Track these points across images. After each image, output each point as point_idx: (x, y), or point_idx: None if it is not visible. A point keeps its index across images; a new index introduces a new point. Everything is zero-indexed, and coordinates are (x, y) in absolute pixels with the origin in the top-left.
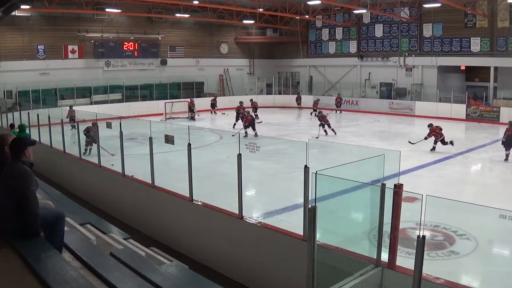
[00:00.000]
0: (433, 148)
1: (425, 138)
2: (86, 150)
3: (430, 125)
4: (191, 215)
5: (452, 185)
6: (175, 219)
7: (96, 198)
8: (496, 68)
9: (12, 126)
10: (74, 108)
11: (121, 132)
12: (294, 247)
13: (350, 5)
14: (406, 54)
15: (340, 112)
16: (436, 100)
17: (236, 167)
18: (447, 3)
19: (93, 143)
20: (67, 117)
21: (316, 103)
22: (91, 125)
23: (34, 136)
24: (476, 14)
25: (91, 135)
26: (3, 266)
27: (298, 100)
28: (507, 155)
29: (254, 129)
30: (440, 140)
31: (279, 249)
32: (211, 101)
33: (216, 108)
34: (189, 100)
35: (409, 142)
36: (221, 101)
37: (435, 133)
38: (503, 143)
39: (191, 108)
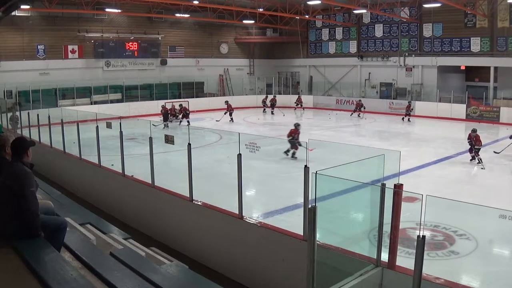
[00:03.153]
0: (474, 158)
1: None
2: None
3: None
4: (191, 215)
5: (452, 185)
6: (175, 219)
7: (96, 198)
8: (496, 68)
9: None
10: (73, 107)
11: (121, 132)
12: (294, 247)
13: (350, 5)
14: (406, 54)
15: (359, 115)
16: (436, 100)
17: (236, 167)
18: (447, 3)
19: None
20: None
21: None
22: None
23: (34, 136)
24: (476, 14)
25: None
26: (3, 266)
27: (299, 100)
28: None
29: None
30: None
31: (279, 249)
32: (271, 101)
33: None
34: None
35: (494, 152)
36: (221, 101)
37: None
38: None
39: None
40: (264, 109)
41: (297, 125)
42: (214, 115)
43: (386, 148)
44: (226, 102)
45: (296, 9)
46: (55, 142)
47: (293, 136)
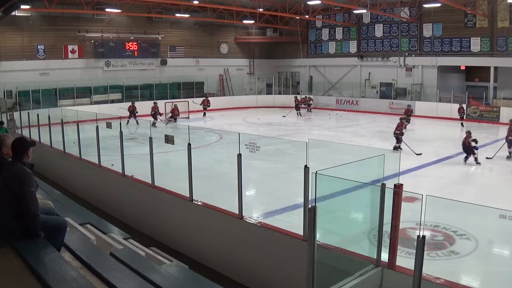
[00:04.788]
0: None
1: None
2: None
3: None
4: (191, 215)
5: (452, 185)
6: (175, 219)
7: (96, 198)
8: (496, 68)
9: (1, 123)
10: (73, 107)
11: (121, 132)
12: (294, 247)
13: (350, 5)
14: (406, 54)
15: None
16: (436, 100)
17: (236, 167)
18: (447, 3)
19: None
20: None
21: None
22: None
23: (34, 136)
24: (476, 14)
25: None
26: (3, 266)
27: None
28: (510, 153)
29: None
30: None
31: (279, 249)
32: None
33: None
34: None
35: (486, 158)
36: (221, 101)
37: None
38: (507, 139)
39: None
40: (309, 109)
41: (468, 133)
42: (214, 115)
43: (386, 148)
44: (205, 95)
45: (296, 9)
46: (55, 142)
47: (468, 142)
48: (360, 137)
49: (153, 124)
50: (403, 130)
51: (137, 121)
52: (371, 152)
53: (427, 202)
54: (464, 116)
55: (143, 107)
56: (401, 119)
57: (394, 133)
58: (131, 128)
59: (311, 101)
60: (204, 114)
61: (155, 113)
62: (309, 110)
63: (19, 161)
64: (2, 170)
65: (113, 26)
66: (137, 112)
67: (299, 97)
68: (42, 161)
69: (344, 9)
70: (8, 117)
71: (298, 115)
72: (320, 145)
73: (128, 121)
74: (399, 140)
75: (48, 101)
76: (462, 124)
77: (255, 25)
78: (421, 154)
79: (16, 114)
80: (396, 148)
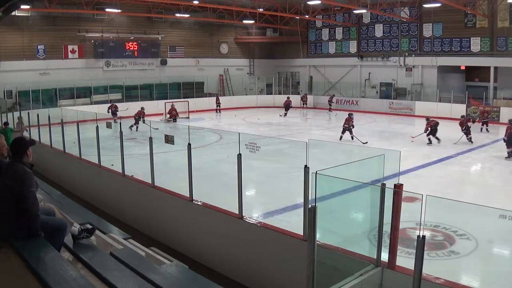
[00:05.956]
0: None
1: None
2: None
3: (427, 119)
4: (191, 215)
5: (452, 185)
6: (175, 219)
7: (96, 198)
8: (496, 68)
9: (6, 124)
10: (73, 107)
11: (121, 132)
12: (294, 247)
13: (350, 5)
14: (406, 54)
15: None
16: (436, 100)
17: (236, 167)
18: (447, 3)
19: None
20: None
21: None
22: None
23: (34, 136)
24: (476, 14)
25: None
26: (3, 266)
27: (305, 99)
28: (508, 153)
29: None
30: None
31: (279, 249)
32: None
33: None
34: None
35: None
36: (221, 101)
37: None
38: (505, 141)
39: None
40: (330, 109)
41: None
42: (225, 114)
43: (386, 148)
44: (217, 95)
45: (296, 9)
46: (55, 142)
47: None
48: (360, 137)
49: (130, 127)
50: (352, 123)
51: (115, 120)
52: (371, 152)
53: (427, 202)
54: (488, 120)
55: (143, 106)
56: (349, 114)
57: (343, 126)
58: (126, 128)
59: (331, 102)
60: (218, 111)
61: (139, 117)
62: (330, 110)
63: (19, 161)
64: (1, 170)
65: (113, 26)
66: (118, 111)
67: (296, 97)
68: (42, 161)
69: (344, 9)
70: (17, 120)
71: (284, 115)
72: (320, 145)
73: (115, 120)
74: (345, 131)
75: (48, 101)
76: (487, 130)
77: (255, 25)
78: (366, 143)
79: (16, 114)
80: (341, 138)
